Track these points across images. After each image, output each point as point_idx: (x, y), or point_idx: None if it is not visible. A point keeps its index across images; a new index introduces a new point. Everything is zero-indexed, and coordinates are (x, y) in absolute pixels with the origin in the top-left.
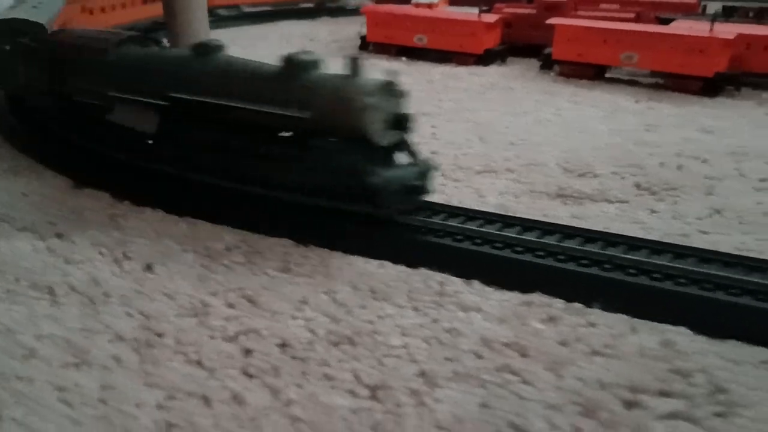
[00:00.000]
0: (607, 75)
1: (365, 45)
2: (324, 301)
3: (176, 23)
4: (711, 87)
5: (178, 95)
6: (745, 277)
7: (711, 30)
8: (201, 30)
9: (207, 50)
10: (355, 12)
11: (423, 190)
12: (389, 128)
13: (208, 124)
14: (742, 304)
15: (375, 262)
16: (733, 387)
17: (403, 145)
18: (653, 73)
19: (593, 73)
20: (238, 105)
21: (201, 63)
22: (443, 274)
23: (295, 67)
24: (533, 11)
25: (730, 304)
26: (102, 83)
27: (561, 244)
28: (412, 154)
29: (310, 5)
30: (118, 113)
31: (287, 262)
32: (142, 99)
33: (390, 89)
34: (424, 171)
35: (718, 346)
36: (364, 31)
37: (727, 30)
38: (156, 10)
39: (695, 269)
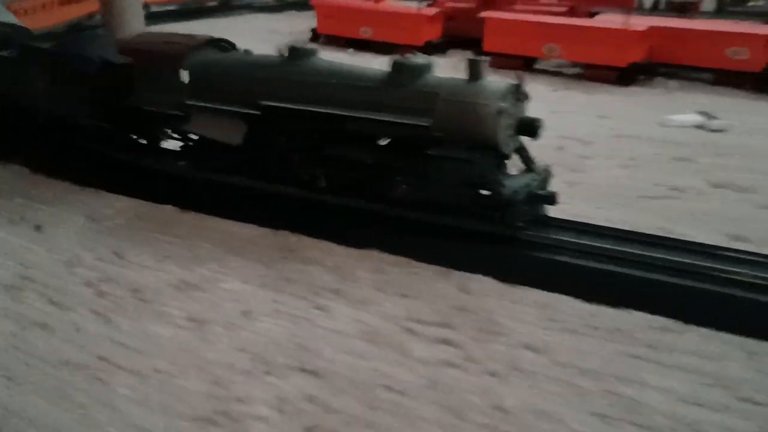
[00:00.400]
0: (536, 66)
1: (316, 37)
2: None
3: (111, 17)
4: (625, 77)
5: (272, 103)
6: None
7: (626, 23)
8: (136, 25)
9: (299, 54)
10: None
11: (550, 200)
12: (515, 134)
13: (307, 133)
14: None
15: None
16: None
17: (521, 152)
18: (576, 64)
19: (521, 64)
20: (345, 113)
21: (295, 68)
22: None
23: (407, 71)
24: (473, 5)
25: None
26: (178, 92)
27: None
28: (529, 160)
29: (215, 3)
30: (197, 124)
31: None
32: (227, 108)
33: (516, 92)
34: (544, 179)
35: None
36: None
37: (643, 23)
38: (73, 13)
39: None
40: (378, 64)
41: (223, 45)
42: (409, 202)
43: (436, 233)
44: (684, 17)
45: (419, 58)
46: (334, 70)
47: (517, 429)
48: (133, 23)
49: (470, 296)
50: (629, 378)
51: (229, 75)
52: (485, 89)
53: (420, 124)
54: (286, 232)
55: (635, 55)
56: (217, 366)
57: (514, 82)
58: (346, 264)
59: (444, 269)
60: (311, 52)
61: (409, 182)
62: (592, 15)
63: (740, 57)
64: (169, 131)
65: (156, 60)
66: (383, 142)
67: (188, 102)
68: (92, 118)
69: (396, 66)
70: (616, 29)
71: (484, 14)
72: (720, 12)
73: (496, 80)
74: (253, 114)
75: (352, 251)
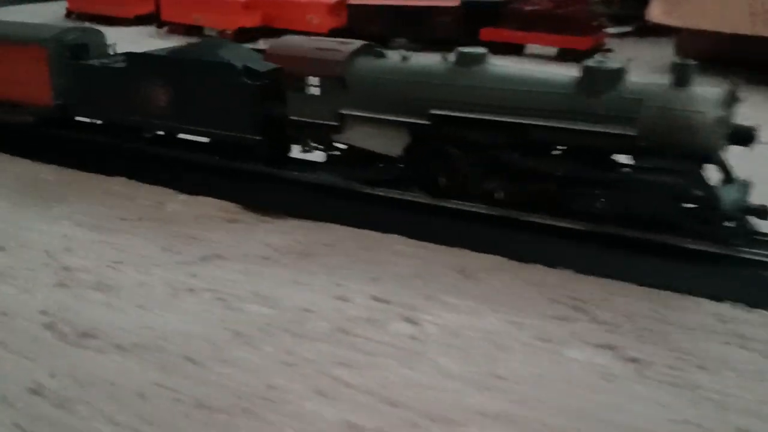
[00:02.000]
0: (207, 33)
1: (161, 24)
2: None
3: None
4: (242, 38)
5: (445, 112)
6: None
7: None
8: None
9: (471, 60)
10: None
11: (761, 213)
12: (727, 143)
13: (484, 144)
14: None
15: None
16: None
17: (721, 161)
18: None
19: (185, 30)
20: (533, 122)
21: (468, 74)
22: None
23: (601, 77)
24: None
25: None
26: (333, 100)
27: None
28: (729, 170)
29: None
30: (353, 134)
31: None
32: (389, 117)
33: (731, 98)
34: (746, 189)
35: None
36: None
37: None
38: None
39: None
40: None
41: (378, 50)
42: (605, 217)
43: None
44: None
45: (613, 62)
46: (513, 76)
47: None
48: None
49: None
50: None
51: (392, 82)
52: (699, 96)
53: (624, 133)
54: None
55: (246, 21)
56: None
57: (728, 87)
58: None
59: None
60: (482, 57)
61: (605, 195)
62: None
63: (314, 21)
64: (314, 142)
65: (311, 67)
66: (559, 152)
67: (344, 111)
68: (234, 130)
69: (588, 71)
70: (230, 1)
71: None
72: None
73: (707, 86)
74: (421, 123)
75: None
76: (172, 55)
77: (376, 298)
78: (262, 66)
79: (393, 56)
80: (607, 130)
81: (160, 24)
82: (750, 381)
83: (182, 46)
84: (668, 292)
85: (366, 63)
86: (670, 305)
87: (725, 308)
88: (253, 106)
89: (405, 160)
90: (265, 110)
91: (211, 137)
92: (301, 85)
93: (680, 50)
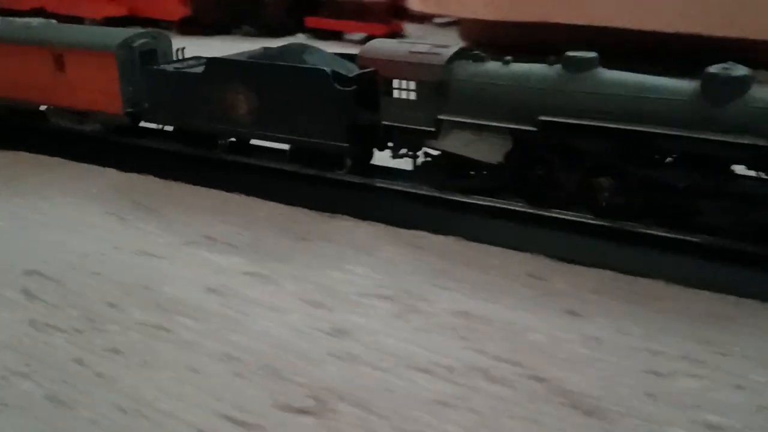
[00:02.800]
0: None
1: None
2: None
3: None
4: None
5: (556, 119)
6: None
7: None
8: None
9: (581, 64)
10: None
11: None
12: None
13: (597, 152)
14: None
15: None
16: None
17: None
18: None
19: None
20: (656, 131)
21: (579, 79)
22: None
23: (728, 84)
24: None
25: None
26: (430, 106)
27: None
28: None
29: None
30: (452, 140)
31: None
32: (492, 123)
33: None
34: None
35: None
36: None
37: None
38: None
39: None
40: None
41: (476, 54)
42: (726, 230)
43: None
44: None
45: (739, 70)
46: (627, 82)
47: None
48: None
49: None
50: None
51: (496, 87)
52: None
53: (755, 143)
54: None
55: (113, 11)
56: None
57: None
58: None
59: None
60: (592, 62)
61: (726, 207)
62: None
63: (168, 10)
64: (407, 149)
65: (408, 71)
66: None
67: (442, 117)
68: (321, 137)
69: (710, 77)
70: None
71: None
72: None
73: None
74: (527, 130)
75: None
76: (255, 59)
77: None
78: (350, 70)
79: (493, 61)
80: (736, 140)
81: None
82: None
83: (263, 50)
84: None
85: (466, 67)
86: None
87: None
88: (343, 113)
89: (504, 168)
90: (354, 116)
91: (294, 145)
92: (395, 89)
93: (463, 36)
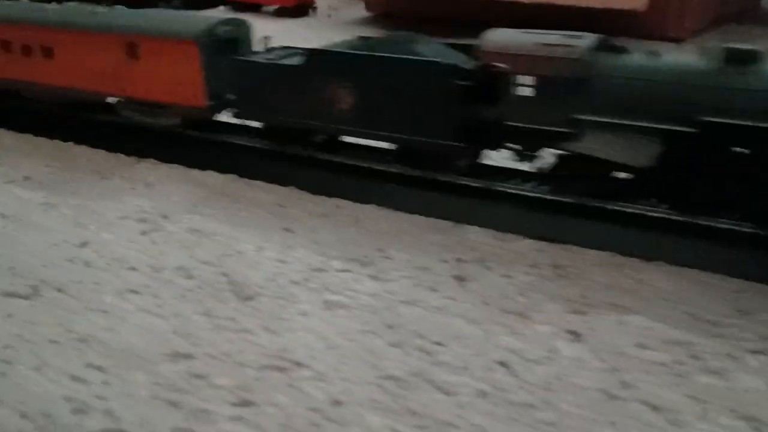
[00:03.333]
0: None
1: None
2: None
3: None
4: None
5: (724, 120)
6: None
7: None
8: None
9: (744, 58)
10: None
11: None
12: None
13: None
14: None
15: None
16: None
17: None
18: None
19: None
20: None
21: (747, 76)
22: None
23: None
24: None
25: None
26: (564, 105)
27: None
28: None
29: None
30: (592, 142)
31: None
32: (642, 124)
33: None
34: None
35: None
36: None
37: None
38: None
39: None
40: None
41: (615, 45)
42: None
43: None
44: None
45: None
46: None
47: None
48: None
49: None
50: None
51: (645, 83)
52: None
53: None
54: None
55: None
56: None
57: None
58: None
59: None
60: (757, 55)
61: None
62: None
63: None
64: (532, 150)
65: (538, 65)
66: None
67: (580, 116)
68: (432, 136)
69: None
70: None
71: None
72: None
73: None
74: (685, 131)
75: None
76: (360, 50)
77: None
78: (466, 63)
79: (637, 53)
80: None
81: None
82: None
83: (365, 40)
84: None
85: (608, 61)
86: None
87: None
88: (459, 110)
89: (647, 171)
90: (471, 114)
91: (401, 143)
92: (520, 86)
93: (368, 6)
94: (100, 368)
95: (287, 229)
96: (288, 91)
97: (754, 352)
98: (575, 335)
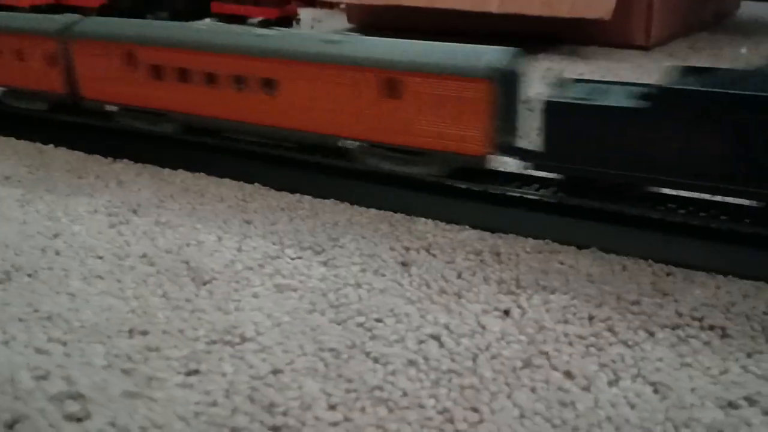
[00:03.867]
0: None
1: None
2: None
3: None
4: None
5: None
6: None
7: None
8: None
9: None
10: None
11: None
12: None
13: None
14: None
15: None
16: None
17: None
18: None
19: None
20: None
21: None
22: None
23: None
24: None
25: None
26: None
27: None
28: None
29: None
30: None
31: None
32: None
33: None
34: None
35: None
36: None
37: None
38: None
39: None
40: None
41: None
42: None
43: None
44: None
45: None
46: None
47: None
48: None
49: None
50: None
51: None
52: None
53: None
54: None
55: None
56: None
57: None
58: None
59: None
60: None
61: None
62: None
63: None
64: None
65: None
66: None
67: None
68: None
69: None
70: None
71: None
72: None
73: None
74: None
75: None
76: (729, 88)
77: None
78: None
79: None
80: None
81: None
82: None
83: (719, 75)
84: None
85: None
86: None
87: None
88: None
89: None
90: None
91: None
92: None
93: (349, 19)
94: (62, 342)
95: (248, 221)
96: (618, 138)
97: (666, 326)
98: (504, 313)
